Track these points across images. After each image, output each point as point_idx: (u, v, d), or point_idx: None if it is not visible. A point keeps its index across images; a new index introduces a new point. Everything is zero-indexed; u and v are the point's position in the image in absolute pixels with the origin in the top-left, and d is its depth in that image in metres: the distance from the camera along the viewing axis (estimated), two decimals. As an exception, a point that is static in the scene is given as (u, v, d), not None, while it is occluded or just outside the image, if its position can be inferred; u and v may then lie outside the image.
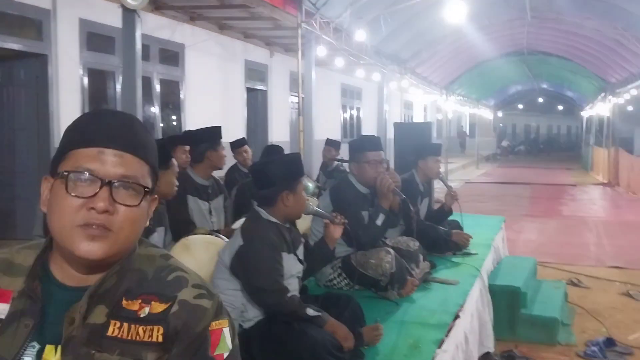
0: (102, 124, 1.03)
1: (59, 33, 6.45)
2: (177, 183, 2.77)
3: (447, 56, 15.86)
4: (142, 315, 1.03)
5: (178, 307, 1.03)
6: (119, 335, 1.01)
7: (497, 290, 4.41)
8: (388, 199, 3.44)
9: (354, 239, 3.33)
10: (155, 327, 1.02)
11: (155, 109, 8.44)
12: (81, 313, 1.00)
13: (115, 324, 1.01)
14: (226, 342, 1.08)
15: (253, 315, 2.32)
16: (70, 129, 1.06)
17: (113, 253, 1.01)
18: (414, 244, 3.78)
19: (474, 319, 3.65)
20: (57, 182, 1.01)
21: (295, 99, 9.72)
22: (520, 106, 38.87)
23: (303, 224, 4.14)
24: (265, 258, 2.31)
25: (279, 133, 11.66)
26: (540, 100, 36.02)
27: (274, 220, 2.43)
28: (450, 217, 5.03)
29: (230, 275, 2.33)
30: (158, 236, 2.79)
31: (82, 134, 1.03)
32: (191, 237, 2.82)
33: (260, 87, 11.39)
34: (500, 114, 36.50)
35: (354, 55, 10.33)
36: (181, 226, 3.20)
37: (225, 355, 1.07)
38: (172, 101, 9.03)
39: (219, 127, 3.89)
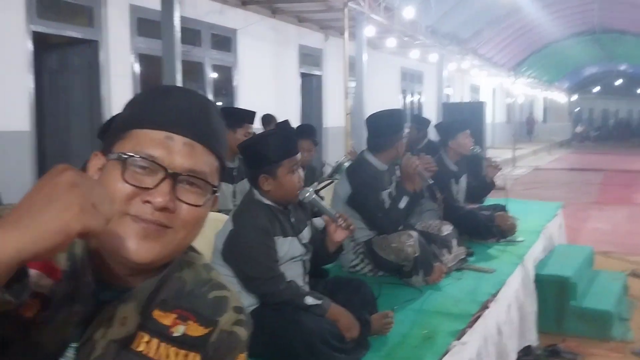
0: (173, 104, 0.87)
1: (110, 19, 6.58)
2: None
3: (512, 36, 15.15)
4: (175, 334, 0.88)
5: (217, 335, 0.92)
6: (145, 352, 0.86)
7: (545, 280, 4.12)
8: (413, 181, 3.25)
9: (374, 222, 3.17)
10: (192, 354, 0.89)
11: (208, 95, 8.51)
12: (123, 322, 0.85)
13: (142, 336, 0.87)
14: None
15: (248, 303, 2.20)
16: (134, 104, 0.90)
17: (163, 257, 0.85)
18: (446, 228, 3.57)
19: (511, 309, 3.41)
20: (111, 163, 0.84)
21: (353, 84, 9.54)
22: (597, 89, 36.78)
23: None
24: (256, 244, 2.16)
25: (334, 118, 11.53)
26: (619, 82, 33.94)
27: (267, 202, 2.28)
28: (498, 202, 4.76)
29: (222, 261, 2.23)
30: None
31: (148, 112, 0.86)
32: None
33: (315, 72, 11.28)
34: (575, 97, 34.73)
35: (407, 35, 10.00)
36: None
37: None
38: (225, 87, 9.08)
39: (246, 110, 3.79)
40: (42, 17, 5.81)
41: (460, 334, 2.50)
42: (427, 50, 12.51)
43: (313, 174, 4.54)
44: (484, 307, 2.89)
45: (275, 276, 2.17)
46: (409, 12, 8.61)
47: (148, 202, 0.82)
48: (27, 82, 5.63)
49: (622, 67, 27.96)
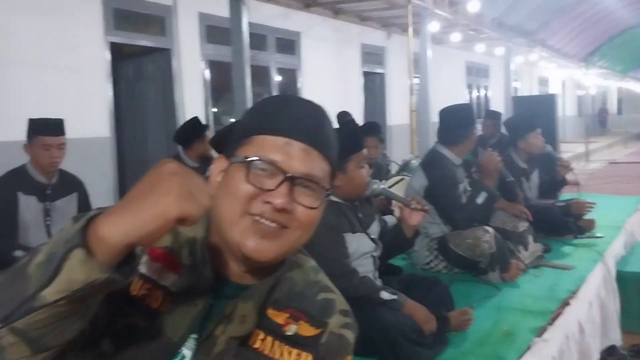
0: (292, 112, 0.94)
1: (180, 28, 6.83)
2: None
3: (582, 25, 14.53)
4: (288, 333, 0.94)
5: (327, 337, 0.96)
6: (261, 349, 0.92)
7: (627, 277, 3.95)
8: (493, 178, 3.22)
9: (451, 216, 3.16)
10: (304, 354, 0.94)
11: (274, 98, 8.66)
12: (242, 320, 0.91)
13: (258, 334, 0.92)
14: None
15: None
16: (255, 112, 0.97)
17: (281, 256, 0.92)
18: (522, 225, 3.50)
19: (593, 307, 3.31)
20: (235, 167, 0.90)
21: (416, 81, 9.47)
22: (677, 77, 34.67)
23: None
24: (326, 242, 2.20)
25: (397, 116, 11.46)
26: (702, 69, 31.85)
27: (334, 199, 2.32)
28: (573, 197, 4.61)
29: None
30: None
31: (270, 120, 0.93)
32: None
33: (378, 70, 11.26)
34: (652, 86, 32.89)
35: (473, 29, 9.81)
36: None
37: None
38: (289, 89, 9.22)
39: None
40: (118, 29, 6.11)
41: (540, 331, 2.46)
42: (493, 44, 12.21)
43: (380, 172, 4.56)
44: (564, 304, 2.82)
45: (349, 272, 2.21)
46: (474, 6, 8.44)
47: (268, 202, 0.87)
48: (106, 91, 5.94)
49: None
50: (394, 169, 5.90)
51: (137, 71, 7.00)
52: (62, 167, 3.12)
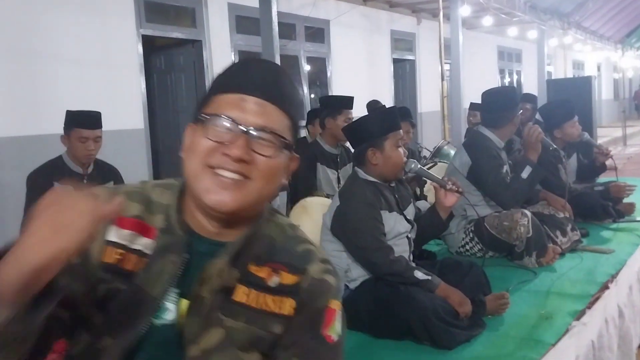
0: (247, 70, 1.00)
1: (211, 19, 6.88)
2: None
3: (620, 5, 14.07)
4: (271, 285, 0.99)
5: (309, 282, 1.01)
6: (246, 302, 0.98)
7: (668, 261, 3.86)
8: (537, 150, 3.18)
9: (496, 194, 3.14)
10: (287, 300, 1.00)
11: (304, 88, 8.68)
12: (220, 274, 0.96)
13: (242, 288, 0.98)
14: (338, 325, 1.04)
15: (357, 274, 2.27)
16: (217, 75, 1.04)
17: (245, 206, 0.95)
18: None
19: (633, 291, 3.25)
20: (197, 127, 0.97)
21: (447, 67, 9.34)
22: None
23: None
24: (362, 216, 2.24)
25: (428, 103, 11.35)
26: None
27: (371, 179, 2.34)
28: (610, 180, 4.51)
29: (332, 237, 2.31)
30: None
31: (226, 79, 1.00)
32: (309, 199, 2.86)
33: (408, 56, 11.15)
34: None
35: (505, 12, 9.60)
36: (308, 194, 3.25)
37: (334, 339, 1.02)
38: (319, 78, 9.21)
39: (344, 96, 3.87)
40: (150, 21, 6.19)
41: (579, 315, 2.42)
42: (526, 27, 11.93)
43: (412, 157, 4.54)
44: (604, 287, 2.77)
45: (384, 247, 2.22)
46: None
47: (226, 154, 0.93)
48: (139, 83, 6.03)
49: None
50: (425, 155, 5.87)
51: (169, 63, 7.08)
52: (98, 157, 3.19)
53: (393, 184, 2.41)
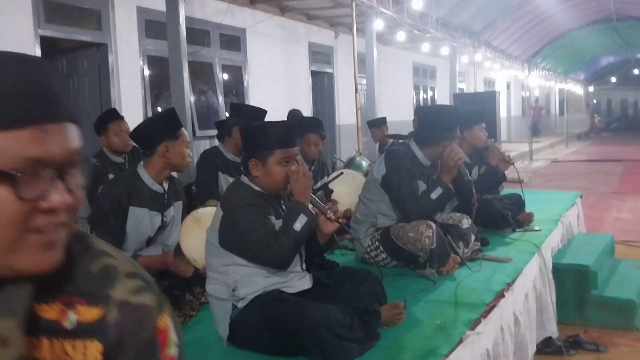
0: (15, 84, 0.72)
1: (118, 22, 6.58)
2: (190, 154, 2.65)
3: (526, 26, 14.89)
4: (68, 326, 0.75)
5: (118, 312, 0.77)
6: (42, 358, 0.74)
7: (563, 269, 4.02)
8: (452, 174, 3.17)
9: (403, 206, 3.11)
10: (90, 343, 0.76)
11: (219, 96, 8.49)
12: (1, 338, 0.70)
13: (41, 342, 0.74)
14: (173, 338, 0.82)
15: (245, 292, 2.15)
16: None
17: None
18: (466, 222, 3.48)
19: (529, 299, 3.32)
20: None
21: (363, 81, 9.43)
22: (614, 79, 36.10)
23: (348, 198, 3.97)
24: (250, 218, 2.12)
25: (346, 116, 11.45)
26: (636, 71, 33.30)
27: (256, 188, 2.23)
28: (514, 192, 4.66)
29: (219, 251, 2.18)
30: (174, 211, 2.70)
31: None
32: (202, 210, 2.72)
33: (326, 69, 11.22)
34: (591, 88, 34.18)
35: (417, 28, 9.87)
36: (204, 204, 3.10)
37: (174, 354, 0.82)
38: (235, 87, 9.05)
39: (257, 108, 3.76)
40: (50, 22, 5.82)
41: (474, 324, 2.41)
42: (439, 44, 12.35)
43: (323, 169, 4.48)
44: (500, 296, 2.80)
45: (277, 238, 2.14)
46: (417, 3, 8.48)
47: (49, 209, 0.71)
48: (36, 87, 5.64)
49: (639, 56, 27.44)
50: (340, 166, 5.86)
51: (72, 67, 6.70)
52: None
53: (282, 199, 2.31)
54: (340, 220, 2.23)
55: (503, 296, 2.81)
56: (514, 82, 23.30)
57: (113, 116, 3.99)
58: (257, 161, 2.20)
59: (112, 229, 2.50)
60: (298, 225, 2.11)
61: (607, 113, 38.00)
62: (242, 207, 2.14)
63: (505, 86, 22.98)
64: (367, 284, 2.30)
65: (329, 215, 2.22)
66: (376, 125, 6.45)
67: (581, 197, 5.83)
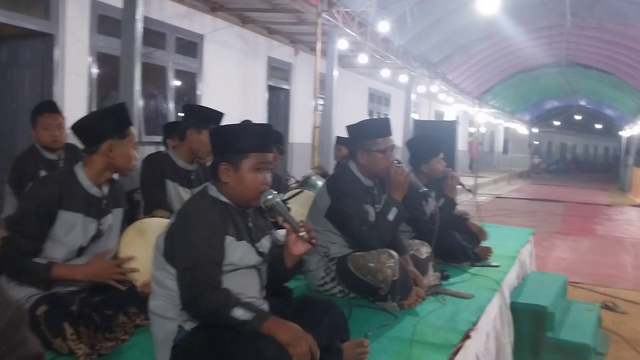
0: None
1: (68, 13, 6.15)
2: (136, 156, 2.34)
3: (481, 63, 15.23)
4: None
5: None
6: None
7: (521, 308, 3.87)
8: (403, 190, 2.93)
9: (357, 236, 2.85)
10: None
11: (169, 101, 8.11)
12: None
13: None
14: None
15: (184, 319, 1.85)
16: None
17: None
18: (425, 250, 3.28)
19: (489, 339, 3.14)
20: None
21: (321, 102, 9.27)
22: (557, 123, 37.68)
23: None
24: (197, 238, 1.83)
25: (300, 134, 11.25)
26: (578, 117, 34.89)
27: (223, 199, 1.96)
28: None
29: (165, 263, 1.88)
30: (113, 218, 2.37)
31: None
32: (147, 220, 2.40)
33: (283, 85, 11.01)
34: (535, 130, 35.49)
35: (379, 53, 9.83)
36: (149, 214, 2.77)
37: None
38: (188, 94, 8.69)
39: (214, 110, 3.45)
40: (-9, 4, 5.37)
41: (442, 367, 2.19)
42: (397, 72, 12.40)
43: (279, 184, 4.23)
44: (466, 337, 2.59)
45: (204, 282, 1.81)
46: (384, 26, 8.43)
47: None
48: (-31, 73, 5.16)
49: (582, 102, 28.68)
50: (292, 184, 5.63)
51: (12, 56, 6.19)
52: None
53: (248, 211, 2.03)
54: (312, 241, 1.97)
55: (469, 337, 2.60)
56: (463, 117, 23.81)
57: (44, 108, 3.57)
58: (229, 165, 1.94)
59: (31, 233, 2.14)
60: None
61: (547, 155, 39.54)
62: (197, 221, 1.85)
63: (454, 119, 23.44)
64: (329, 317, 2.04)
65: (301, 234, 1.95)
66: (344, 143, 6.24)
67: (533, 234, 5.79)
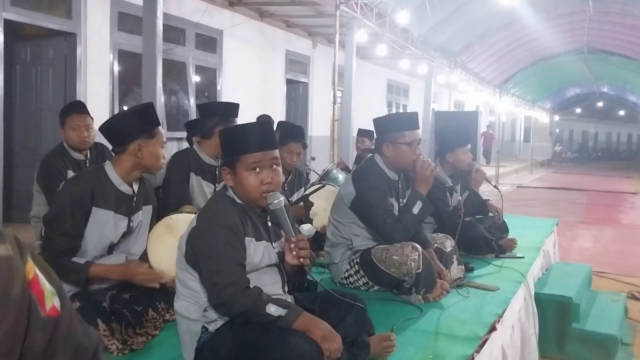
0: None
1: (89, 12, 6.24)
2: (164, 155, 2.37)
3: (501, 52, 15.05)
4: None
5: None
6: None
7: (545, 299, 3.86)
8: (429, 184, 2.94)
9: (382, 229, 2.87)
10: None
11: (190, 97, 8.17)
12: None
13: None
14: (47, 285, 0.74)
15: (218, 314, 1.87)
16: None
17: None
18: (450, 244, 3.28)
19: (515, 331, 3.13)
20: None
21: (339, 94, 9.27)
22: (578, 110, 37.13)
23: (326, 215, 3.73)
24: (219, 241, 1.84)
25: (319, 127, 11.26)
26: (600, 104, 34.34)
27: (238, 201, 1.96)
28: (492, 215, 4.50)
29: (186, 264, 1.90)
30: (143, 215, 2.41)
31: None
32: (175, 216, 2.43)
33: (302, 79, 11.02)
34: (556, 118, 35.01)
35: (398, 44, 9.78)
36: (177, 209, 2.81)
37: (58, 306, 0.75)
38: (208, 89, 8.75)
39: (230, 103, 3.50)
40: (16, 5, 5.46)
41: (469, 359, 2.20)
42: (416, 62, 12.32)
43: (300, 179, 4.25)
44: (492, 329, 2.60)
45: (235, 282, 1.81)
46: (403, 17, 8.37)
47: None
48: (-5, 73, 5.26)
49: (605, 89, 28.22)
50: (313, 178, 5.64)
51: (36, 55, 6.30)
52: None
53: (264, 212, 2.02)
54: (301, 259, 1.90)
55: (495, 329, 2.61)
56: (483, 106, 23.57)
57: (73, 109, 3.62)
58: (229, 170, 1.94)
59: (67, 231, 2.20)
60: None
61: (569, 143, 39.01)
62: (216, 225, 1.86)
63: (474, 109, 23.22)
64: (353, 313, 2.05)
65: (292, 246, 1.91)
66: (366, 135, 6.27)
67: (557, 224, 5.74)
